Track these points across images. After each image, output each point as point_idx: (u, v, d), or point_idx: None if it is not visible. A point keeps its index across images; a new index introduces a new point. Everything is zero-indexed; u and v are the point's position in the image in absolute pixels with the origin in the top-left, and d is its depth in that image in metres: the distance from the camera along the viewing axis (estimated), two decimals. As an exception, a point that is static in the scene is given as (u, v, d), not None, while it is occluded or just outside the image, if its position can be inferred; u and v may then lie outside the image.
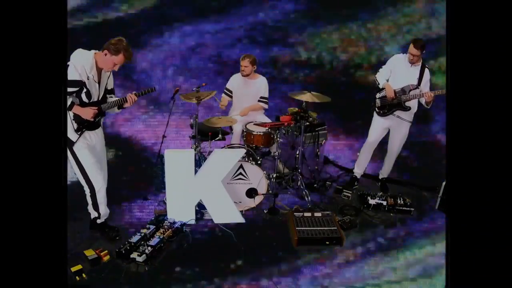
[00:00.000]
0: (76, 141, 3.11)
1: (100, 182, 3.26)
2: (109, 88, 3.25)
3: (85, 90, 3.01)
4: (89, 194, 3.29)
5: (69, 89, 2.93)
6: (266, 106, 4.67)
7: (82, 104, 3.07)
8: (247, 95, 4.59)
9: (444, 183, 4.04)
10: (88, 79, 3.00)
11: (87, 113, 3.07)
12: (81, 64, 2.95)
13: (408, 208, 4.05)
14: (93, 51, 3.06)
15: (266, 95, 4.63)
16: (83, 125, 3.12)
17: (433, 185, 4.42)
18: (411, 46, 3.93)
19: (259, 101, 4.61)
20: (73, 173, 3.23)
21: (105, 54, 2.99)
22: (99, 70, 3.09)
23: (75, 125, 3.08)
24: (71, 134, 3.09)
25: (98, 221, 3.43)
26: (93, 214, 3.41)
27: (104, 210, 3.39)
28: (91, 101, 3.09)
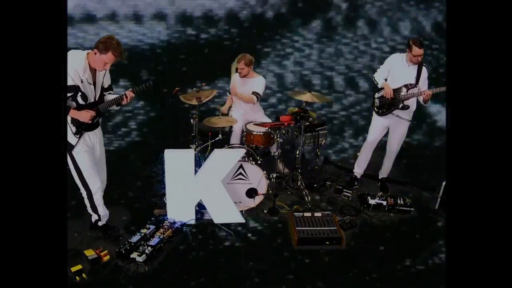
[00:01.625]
0: (75, 144, 3.08)
1: (96, 184, 3.23)
2: (105, 86, 3.17)
3: (80, 93, 2.94)
4: (86, 196, 3.27)
5: None
6: (256, 100, 4.49)
7: (79, 107, 3.01)
8: (244, 93, 4.56)
9: (444, 183, 4.04)
10: (82, 82, 2.92)
11: (85, 116, 3.01)
12: (73, 67, 2.86)
13: (408, 208, 4.05)
14: (85, 52, 2.96)
15: (259, 91, 4.50)
16: (82, 128, 3.08)
17: (433, 185, 4.42)
18: (414, 47, 3.84)
19: (252, 93, 4.47)
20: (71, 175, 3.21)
21: (95, 53, 2.88)
22: (93, 71, 3.00)
23: (74, 129, 3.05)
24: (70, 138, 3.06)
25: (100, 223, 3.43)
26: (94, 216, 3.41)
27: (103, 211, 3.38)
28: (87, 102, 3.03)
